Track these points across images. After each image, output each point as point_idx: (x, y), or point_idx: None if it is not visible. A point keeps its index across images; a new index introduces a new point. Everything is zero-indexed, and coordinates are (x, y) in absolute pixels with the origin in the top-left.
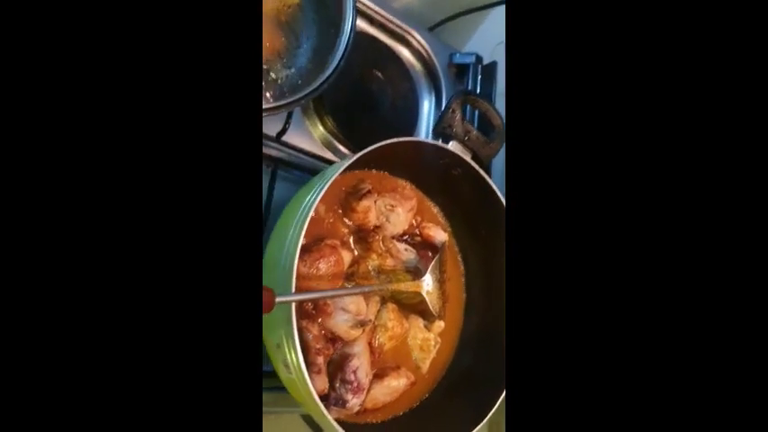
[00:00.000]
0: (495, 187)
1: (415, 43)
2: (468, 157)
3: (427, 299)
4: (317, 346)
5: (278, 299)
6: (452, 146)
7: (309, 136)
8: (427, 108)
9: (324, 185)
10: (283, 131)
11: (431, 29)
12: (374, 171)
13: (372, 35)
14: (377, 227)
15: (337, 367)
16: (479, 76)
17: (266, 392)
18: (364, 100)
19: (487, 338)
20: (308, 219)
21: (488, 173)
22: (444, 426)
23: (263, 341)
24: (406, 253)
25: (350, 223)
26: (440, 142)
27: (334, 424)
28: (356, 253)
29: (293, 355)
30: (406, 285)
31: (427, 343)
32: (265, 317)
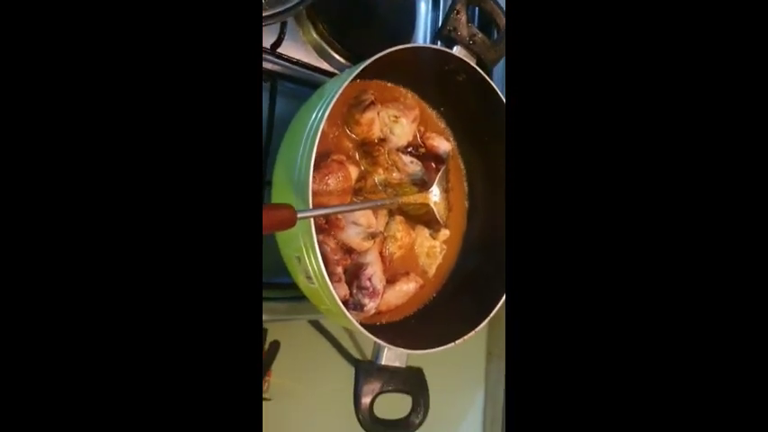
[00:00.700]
0: (500, 93)
1: None
2: (473, 62)
3: (435, 209)
4: (336, 258)
5: (299, 215)
6: (457, 50)
7: (304, 46)
8: (424, 9)
9: (332, 98)
10: (278, 42)
11: None
12: (375, 81)
13: None
14: (381, 139)
15: (353, 276)
16: None
17: (281, 303)
18: (358, 2)
19: (490, 243)
20: (320, 131)
21: (491, 78)
22: (451, 323)
23: (282, 255)
24: (412, 165)
25: (354, 136)
26: (442, 47)
27: (357, 325)
28: (362, 168)
29: (315, 266)
30: (416, 197)
31: (433, 250)
32: (284, 232)
